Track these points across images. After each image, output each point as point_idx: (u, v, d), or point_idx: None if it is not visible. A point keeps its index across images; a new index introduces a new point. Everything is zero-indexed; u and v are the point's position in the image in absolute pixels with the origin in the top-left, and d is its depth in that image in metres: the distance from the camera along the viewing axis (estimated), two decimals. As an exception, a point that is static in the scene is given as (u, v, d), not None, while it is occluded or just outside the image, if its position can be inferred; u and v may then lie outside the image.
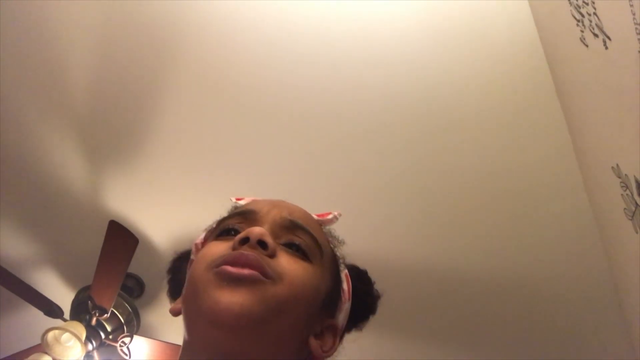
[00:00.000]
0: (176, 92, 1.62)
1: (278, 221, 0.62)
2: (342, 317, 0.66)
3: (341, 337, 0.67)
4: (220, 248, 0.59)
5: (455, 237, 1.78)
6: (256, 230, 0.57)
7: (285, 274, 0.56)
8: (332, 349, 0.63)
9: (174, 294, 0.74)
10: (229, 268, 0.54)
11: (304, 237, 0.62)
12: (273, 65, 1.52)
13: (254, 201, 0.69)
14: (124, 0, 1.44)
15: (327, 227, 0.72)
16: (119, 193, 1.88)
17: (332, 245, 0.69)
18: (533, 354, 2.00)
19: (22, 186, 1.89)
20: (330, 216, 0.72)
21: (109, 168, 1.83)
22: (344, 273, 0.69)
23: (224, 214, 0.71)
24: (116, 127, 1.73)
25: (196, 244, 0.70)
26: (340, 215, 0.73)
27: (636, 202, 0.71)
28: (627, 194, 0.74)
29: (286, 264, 0.57)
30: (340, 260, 0.70)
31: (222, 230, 0.63)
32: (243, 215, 0.64)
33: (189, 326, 0.57)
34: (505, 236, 1.75)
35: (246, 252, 0.55)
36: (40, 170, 1.85)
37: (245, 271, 0.53)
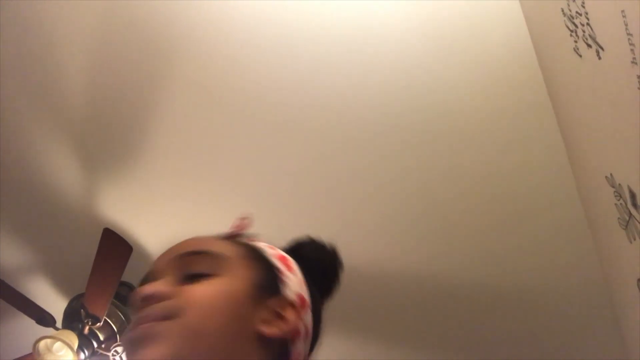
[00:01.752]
0: (171, 100, 1.62)
1: (171, 265, 0.63)
2: (291, 290, 0.66)
3: (316, 310, 0.68)
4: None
5: (449, 244, 1.78)
6: (137, 292, 0.58)
7: (188, 303, 0.57)
8: (295, 321, 0.62)
9: None
10: (129, 334, 0.56)
11: (198, 259, 0.63)
12: (268, 70, 1.52)
13: (155, 261, 0.69)
14: (120, 7, 1.45)
15: (247, 234, 0.72)
16: (113, 200, 1.87)
17: (244, 242, 0.69)
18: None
19: (16, 194, 1.88)
20: (238, 222, 0.72)
21: (103, 175, 1.82)
22: (275, 255, 0.69)
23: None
24: (111, 134, 1.72)
25: None
26: (246, 216, 0.73)
27: (630, 212, 0.71)
28: (620, 204, 0.74)
29: (188, 294, 0.58)
30: (265, 248, 0.69)
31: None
32: (146, 281, 0.64)
33: None
34: (499, 244, 1.75)
35: (137, 317, 0.57)
36: (34, 177, 1.84)
37: (133, 333, 0.56)
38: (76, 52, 1.55)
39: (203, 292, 0.59)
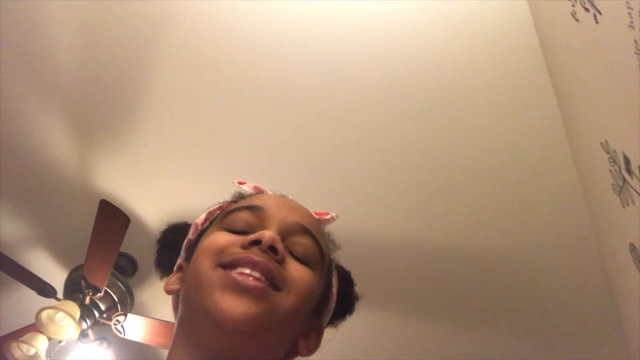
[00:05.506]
0: (164, 71, 1.59)
1: (288, 224, 0.62)
2: (327, 318, 0.68)
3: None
4: (227, 239, 0.59)
5: (445, 213, 1.79)
6: (268, 235, 0.57)
7: (293, 284, 0.57)
8: (315, 347, 0.65)
9: (162, 265, 0.74)
10: (236, 276, 0.54)
11: (311, 244, 0.62)
12: (262, 44, 1.50)
13: (261, 196, 0.68)
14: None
15: (325, 229, 0.72)
16: (109, 172, 1.87)
17: (329, 250, 0.70)
18: (521, 328, 2.04)
19: (12, 168, 1.87)
20: (328, 216, 0.72)
21: (98, 147, 1.81)
22: (334, 277, 0.70)
23: (227, 197, 0.72)
24: (105, 106, 1.71)
25: (196, 224, 0.70)
26: (337, 217, 0.72)
27: (624, 177, 0.71)
28: (615, 170, 0.74)
29: (294, 271, 0.58)
30: (333, 264, 0.70)
31: (229, 227, 0.62)
32: (251, 211, 0.63)
33: (189, 317, 0.58)
34: (494, 211, 1.76)
35: (256, 257, 0.55)
36: (29, 151, 1.83)
37: (253, 282, 0.54)
38: (68, 27, 1.52)
39: (305, 279, 0.59)
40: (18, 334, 1.79)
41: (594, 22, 0.68)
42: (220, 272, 0.55)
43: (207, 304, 0.53)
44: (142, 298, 2.13)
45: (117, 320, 1.87)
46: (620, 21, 0.60)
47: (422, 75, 1.51)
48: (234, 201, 0.71)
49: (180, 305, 0.61)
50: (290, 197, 0.71)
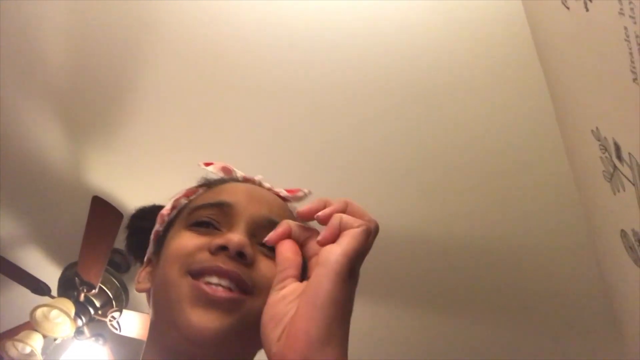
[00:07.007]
0: (156, 66, 1.58)
1: (256, 220, 0.61)
2: None
3: None
4: (194, 243, 0.58)
5: (436, 203, 1.80)
6: (236, 240, 0.56)
7: (263, 284, 0.56)
8: None
9: (132, 251, 0.75)
10: (205, 288, 0.53)
11: None
12: (251, 38, 1.49)
13: (229, 189, 0.66)
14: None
15: (295, 205, 0.71)
16: (101, 168, 1.86)
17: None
18: (513, 318, 2.06)
19: (3, 165, 1.86)
20: (300, 193, 0.71)
21: (90, 144, 1.80)
22: None
23: (193, 182, 0.71)
24: (96, 102, 1.69)
25: (162, 215, 0.68)
26: (310, 192, 0.71)
27: (614, 164, 0.72)
28: (606, 157, 0.75)
29: (264, 270, 0.57)
30: None
31: (195, 221, 0.61)
32: (219, 208, 0.61)
33: (159, 327, 0.58)
34: (486, 199, 1.77)
35: (225, 266, 0.54)
36: (21, 149, 1.82)
37: (223, 294, 0.53)
38: (61, 20, 1.50)
39: (274, 277, 0.56)
40: (13, 333, 1.79)
41: (585, 9, 0.68)
42: (188, 282, 0.54)
43: (177, 319, 0.53)
44: (137, 294, 2.13)
45: (112, 317, 1.87)
46: (610, 8, 0.60)
47: (410, 67, 1.51)
48: (200, 185, 0.71)
49: (150, 308, 0.60)
50: (259, 179, 0.70)
